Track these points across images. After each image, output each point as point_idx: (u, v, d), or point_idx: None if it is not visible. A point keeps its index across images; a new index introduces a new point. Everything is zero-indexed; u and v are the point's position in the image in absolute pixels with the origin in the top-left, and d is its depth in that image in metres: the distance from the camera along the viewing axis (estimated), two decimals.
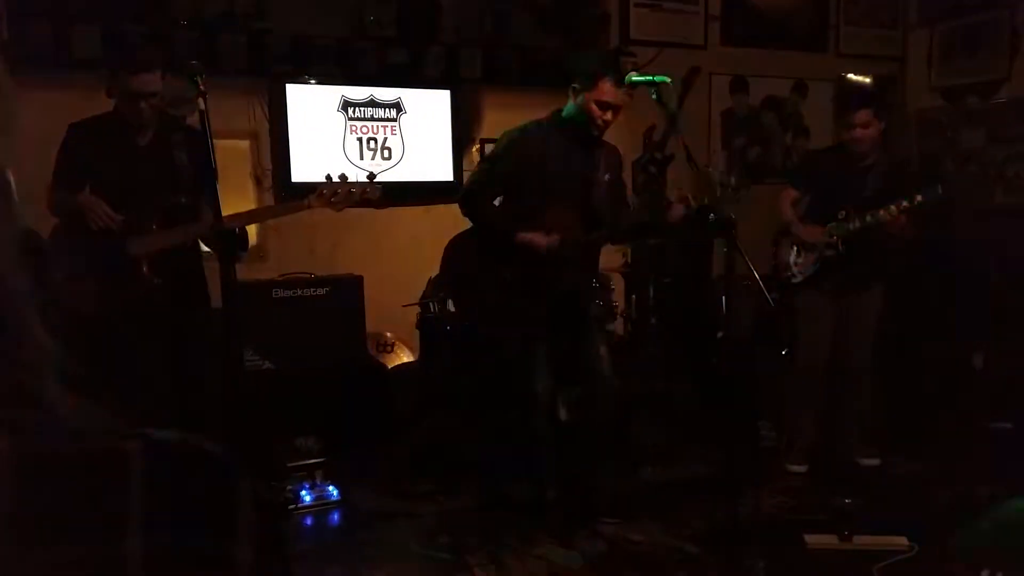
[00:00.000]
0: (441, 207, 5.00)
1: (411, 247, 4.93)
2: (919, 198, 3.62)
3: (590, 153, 3.35)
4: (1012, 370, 4.19)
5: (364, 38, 4.80)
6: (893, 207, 3.65)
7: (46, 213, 3.14)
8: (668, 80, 2.80)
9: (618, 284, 4.69)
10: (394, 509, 3.65)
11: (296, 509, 3.59)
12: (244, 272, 4.41)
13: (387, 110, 4.85)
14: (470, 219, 3.42)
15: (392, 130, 4.86)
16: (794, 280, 4.05)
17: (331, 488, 3.71)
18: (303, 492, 3.65)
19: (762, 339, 4.64)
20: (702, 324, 4.91)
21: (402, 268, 4.90)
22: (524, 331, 3.34)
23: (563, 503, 3.49)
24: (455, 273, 3.43)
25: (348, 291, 4.47)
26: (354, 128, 4.78)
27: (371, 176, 3.12)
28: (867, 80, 6.42)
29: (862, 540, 3.24)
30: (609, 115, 3.20)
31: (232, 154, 4.44)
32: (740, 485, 3.12)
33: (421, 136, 4.92)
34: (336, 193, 3.04)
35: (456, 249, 3.48)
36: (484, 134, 5.19)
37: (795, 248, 4.05)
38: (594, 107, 3.18)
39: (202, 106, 2.68)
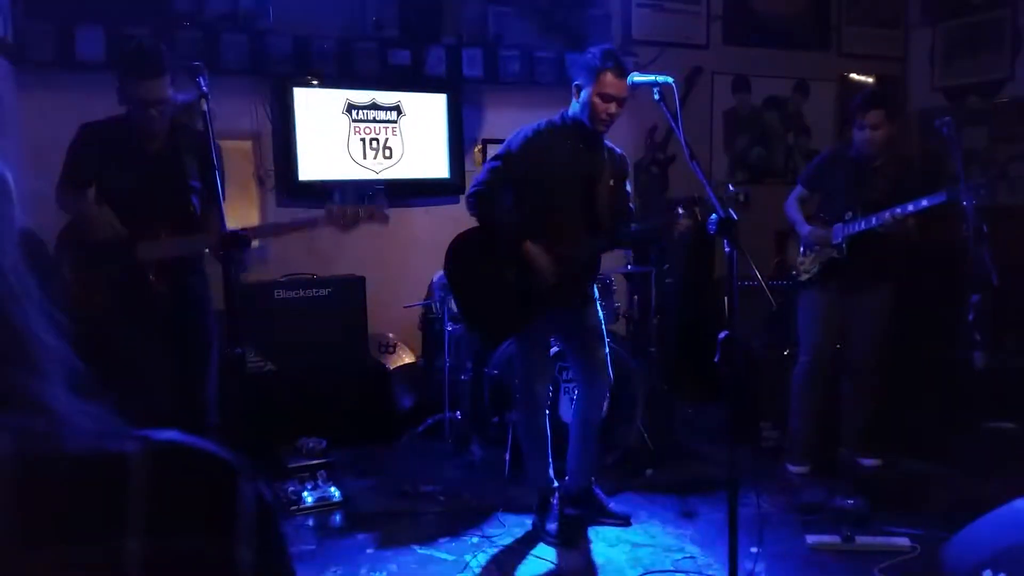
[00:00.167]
0: (442, 208, 5.02)
1: (412, 248, 4.94)
2: (925, 203, 3.61)
3: (596, 155, 3.32)
4: (1012, 370, 4.18)
5: (365, 38, 4.82)
6: (899, 212, 3.64)
7: (47, 213, 3.15)
8: (670, 80, 2.78)
9: (620, 284, 4.69)
10: (395, 510, 3.66)
11: (298, 510, 3.59)
12: (246, 273, 4.43)
13: (388, 112, 4.91)
14: (477, 219, 3.33)
15: (393, 131, 4.91)
16: (800, 279, 4.06)
17: (333, 489, 3.71)
18: (305, 493, 3.65)
19: (764, 339, 4.64)
20: (704, 324, 4.90)
21: (403, 269, 4.91)
22: (524, 331, 3.33)
23: (563, 503, 3.50)
24: (457, 272, 3.38)
25: (350, 292, 4.48)
26: (358, 129, 4.84)
27: (377, 189, 3.09)
28: (869, 80, 6.42)
29: (863, 541, 3.25)
30: (613, 107, 3.15)
31: (235, 154, 4.46)
32: (741, 485, 3.11)
33: (420, 136, 5.01)
34: (346, 214, 3.05)
35: (459, 248, 3.44)
36: (485, 135, 5.20)
37: (801, 248, 4.06)
38: (597, 100, 3.13)
39: (204, 107, 2.68)
